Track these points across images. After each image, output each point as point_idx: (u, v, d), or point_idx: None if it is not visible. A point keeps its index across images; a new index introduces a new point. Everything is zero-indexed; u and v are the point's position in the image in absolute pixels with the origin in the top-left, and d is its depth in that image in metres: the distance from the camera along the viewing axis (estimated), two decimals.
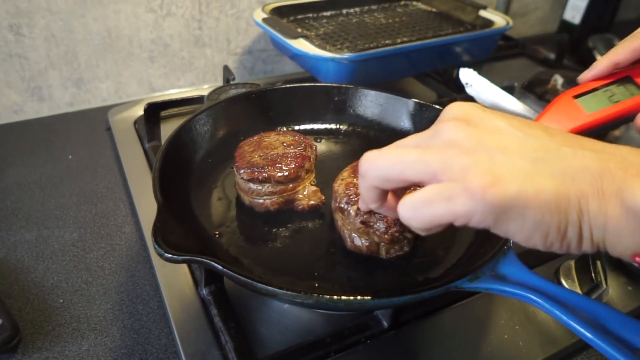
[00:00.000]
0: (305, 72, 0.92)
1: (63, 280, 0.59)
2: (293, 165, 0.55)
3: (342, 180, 0.53)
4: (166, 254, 0.40)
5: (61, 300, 0.56)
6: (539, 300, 0.37)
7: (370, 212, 0.49)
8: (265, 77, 1.11)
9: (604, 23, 1.31)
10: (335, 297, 0.39)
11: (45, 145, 0.83)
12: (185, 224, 0.50)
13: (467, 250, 0.52)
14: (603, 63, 0.51)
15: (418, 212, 0.33)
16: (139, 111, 0.87)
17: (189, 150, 0.61)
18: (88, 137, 0.86)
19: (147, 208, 0.67)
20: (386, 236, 0.48)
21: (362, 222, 0.49)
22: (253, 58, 1.08)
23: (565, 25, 1.32)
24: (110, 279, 0.59)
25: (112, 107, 0.91)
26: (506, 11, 1.35)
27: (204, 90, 0.89)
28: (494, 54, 1.01)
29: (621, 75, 0.52)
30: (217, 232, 0.54)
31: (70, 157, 0.81)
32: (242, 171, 0.55)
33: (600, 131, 0.52)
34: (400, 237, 0.49)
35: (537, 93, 0.96)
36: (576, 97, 0.52)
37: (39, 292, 0.57)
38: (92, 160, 0.80)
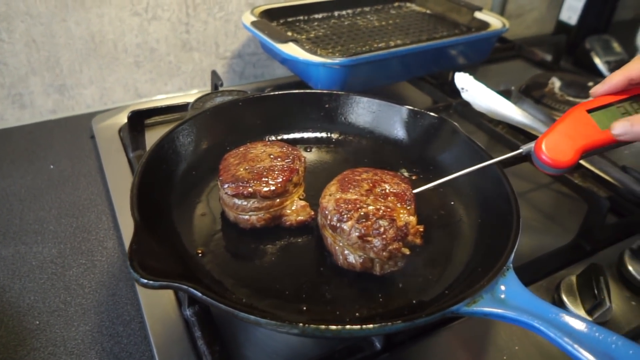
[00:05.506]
0: (297, 76, 0.89)
1: (40, 300, 0.56)
2: (280, 179, 0.52)
3: (331, 195, 0.50)
4: (142, 280, 0.37)
5: (37, 322, 0.53)
6: (542, 328, 0.35)
7: (368, 226, 0.46)
8: (255, 81, 1.08)
9: (601, 24, 1.28)
10: (322, 326, 0.36)
11: (27, 154, 0.80)
12: (166, 243, 0.47)
13: (464, 269, 0.49)
14: (617, 78, 0.50)
15: None
16: (124, 118, 0.83)
17: (172, 163, 0.58)
18: (71, 146, 0.83)
19: (130, 221, 0.62)
20: (384, 253, 0.46)
21: (359, 237, 0.46)
22: (243, 62, 1.05)
23: (561, 26, 1.30)
24: (89, 298, 0.56)
25: (97, 113, 0.88)
26: (502, 12, 1.33)
27: (192, 96, 0.87)
28: (490, 56, 0.98)
29: (635, 92, 0.51)
30: (199, 251, 0.51)
31: (51, 167, 0.77)
32: (226, 186, 0.52)
33: (613, 148, 0.50)
34: (397, 253, 0.47)
35: (534, 97, 0.94)
36: (589, 111, 0.50)
37: (14, 313, 0.54)
38: (74, 170, 0.77)
